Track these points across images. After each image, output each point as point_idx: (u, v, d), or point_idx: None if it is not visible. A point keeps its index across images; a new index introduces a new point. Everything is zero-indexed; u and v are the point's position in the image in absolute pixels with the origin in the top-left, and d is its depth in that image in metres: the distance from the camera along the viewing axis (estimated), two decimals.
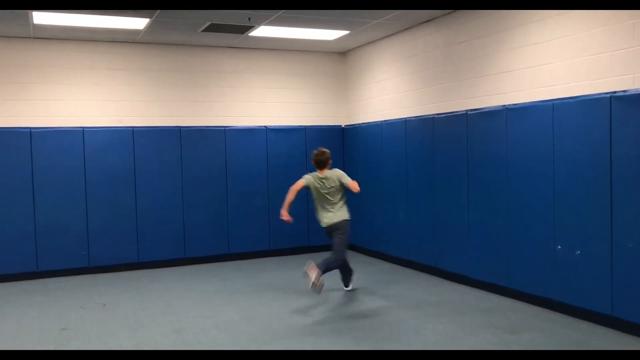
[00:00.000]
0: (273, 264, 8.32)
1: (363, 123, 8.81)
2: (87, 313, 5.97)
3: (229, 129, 8.55)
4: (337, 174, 6.36)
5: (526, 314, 5.59)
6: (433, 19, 7.22)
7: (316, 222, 8.93)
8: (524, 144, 5.86)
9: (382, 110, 8.41)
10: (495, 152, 6.22)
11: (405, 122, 7.77)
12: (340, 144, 9.26)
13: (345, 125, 9.33)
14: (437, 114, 7.16)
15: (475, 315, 5.60)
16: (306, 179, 6.44)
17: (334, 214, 6.39)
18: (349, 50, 9.15)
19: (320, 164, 6.39)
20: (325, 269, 6.06)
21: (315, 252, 9.01)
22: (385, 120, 8.23)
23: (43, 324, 5.60)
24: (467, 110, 6.66)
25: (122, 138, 7.98)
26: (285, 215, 6.51)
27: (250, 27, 7.38)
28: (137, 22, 6.97)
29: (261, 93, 8.86)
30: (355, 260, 8.43)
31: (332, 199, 6.38)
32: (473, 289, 6.56)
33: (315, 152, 6.45)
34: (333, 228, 6.39)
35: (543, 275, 5.69)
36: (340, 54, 9.33)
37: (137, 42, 8.08)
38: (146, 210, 8.09)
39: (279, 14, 6.70)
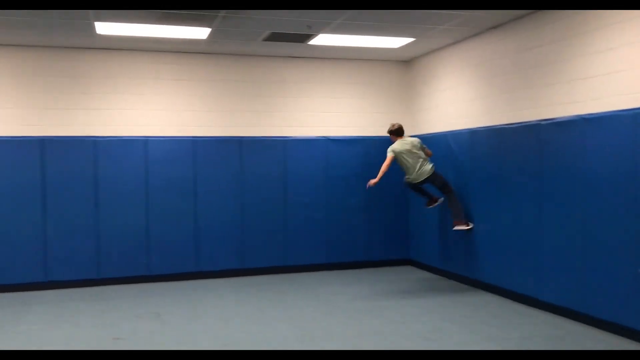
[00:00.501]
0: (330, 277, 8.09)
1: (427, 134, 8.46)
2: (141, 323, 5.94)
3: (289, 140, 8.43)
4: (413, 140, 7.49)
5: (602, 343, 5.09)
6: (501, 24, 6.83)
7: (377, 235, 8.74)
8: (603, 156, 5.38)
9: (447, 120, 8.05)
10: (571, 165, 5.75)
11: (471, 133, 7.39)
12: None
13: (409, 136, 9.00)
14: (506, 124, 6.75)
15: (544, 342, 5.15)
16: (392, 150, 7.36)
17: (421, 171, 7.36)
18: (414, 58, 8.85)
19: (400, 132, 7.52)
20: (459, 214, 7.27)
21: (375, 267, 8.73)
22: (450, 131, 7.87)
23: (97, 332, 5.60)
24: (538, 120, 6.21)
25: (183, 148, 8.01)
26: (374, 183, 7.32)
27: (311, 36, 7.24)
28: (199, 32, 6.97)
29: (322, 103, 8.70)
30: (415, 277, 8.12)
31: (414, 159, 7.35)
32: (541, 312, 6.09)
33: (393, 124, 7.61)
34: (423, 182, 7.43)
35: (622, 300, 5.17)
36: (404, 62, 9.04)
37: (199, 53, 8.11)
38: (205, 220, 8.07)
39: (339, 21, 6.52)
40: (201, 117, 8.20)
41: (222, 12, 6.07)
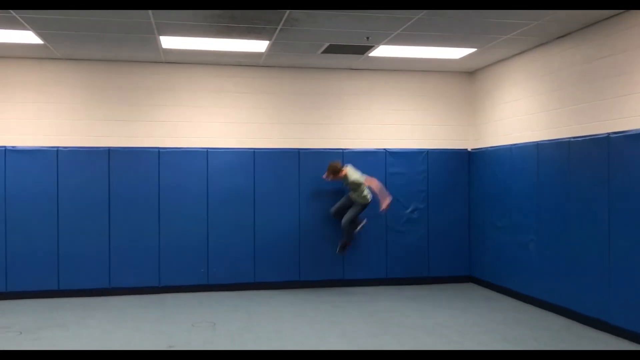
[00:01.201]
0: (388, 293, 7.93)
1: (491, 147, 8.20)
2: (196, 332, 6.00)
3: (347, 152, 8.38)
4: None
5: None
6: (569, 33, 6.54)
7: (437, 251, 8.51)
8: None
9: (511, 132, 7.78)
10: None
11: (537, 146, 7.09)
12: (466, 168, 8.71)
13: (471, 149, 8.77)
14: (574, 137, 6.43)
15: None
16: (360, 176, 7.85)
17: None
18: (477, 69, 8.62)
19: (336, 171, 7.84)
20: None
21: (435, 283, 8.50)
22: (514, 144, 7.59)
23: (153, 339, 5.70)
24: (608, 133, 5.88)
25: (243, 159, 8.11)
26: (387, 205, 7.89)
27: (370, 47, 7.18)
28: (258, 45, 7.06)
29: (381, 115, 8.61)
30: (477, 295, 7.84)
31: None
32: (613, 337, 5.71)
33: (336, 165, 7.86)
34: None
35: None
36: (467, 73, 8.82)
37: (259, 66, 8.22)
38: (263, 230, 8.12)
39: (398, 31, 6.43)
40: (260, 129, 8.28)
41: (281, 25, 6.12)
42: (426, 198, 8.57)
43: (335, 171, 7.76)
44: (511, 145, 7.66)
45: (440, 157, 8.65)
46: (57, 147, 7.62)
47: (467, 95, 8.85)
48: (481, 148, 8.49)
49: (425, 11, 5.65)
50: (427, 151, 8.62)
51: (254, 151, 8.15)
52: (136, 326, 6.22)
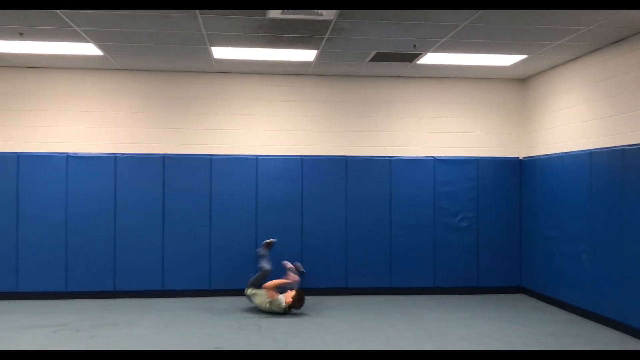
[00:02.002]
0: (436, 302, 7.86)
1: (543, 155, 8.03)
2: (242, 334, 6.14)
3: (395, 159, 8.38)
4: None
5: None
6: (625, 38, 6.35)
7: (487, 261, 8.37)
8: None
9: (564, 140, 7.59)
10: None
11: (590, 154, 6.90)
12: (517, 176, 8.55)
13: (523, 157, 8.60)
14: (629, 145, 6.23)
15: None
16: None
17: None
18: (529, 76, 8.46)
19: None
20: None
21: (484, 293, 8.37)
22: (567, 152, 7.41)
23: (201, 341, 5.87)
24: None
25: (291, 166, 8.24)
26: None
27: (418, 55, 7.19)
28: (306, 55, 7.18)
29: (430, 122, 8.57)
30: (527, 306, 7.67)
31: None
32: None
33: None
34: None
35: None
36: (518, 80, 8.67)
37: (308, 75, 8.35)
38: (310, 237, 8.21)
39: (446, 39, 6.42)
40: (309, 137, 8.40)
41: (328, 34, 6.22)
42: (476, 207, 8.46)
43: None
44: (563, 153, 7.48)
45: (490, 165, 8.53)
46: (115, 154, 7.98)
47: (518, 103, 8.70)
48: (533, 156, 8.32)
49: (471, 18, 5.63)
50: (478, 159, 8.52)
51: (302, 158, 8.27)
52: (185, 327, 6.42)
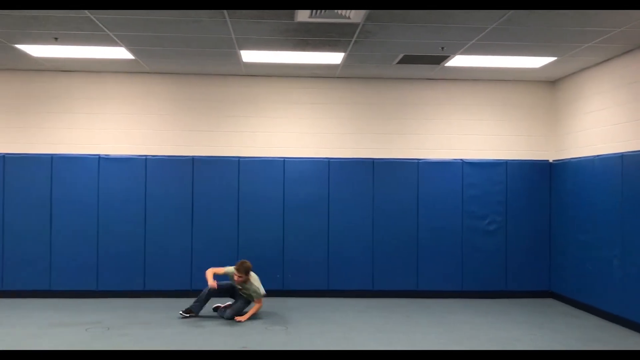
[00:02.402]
0: (463, 305, 7.81)
1: (573, 158, 7.92)
2: (269, 334, 6.19)
3: (423, 162, 8.35)
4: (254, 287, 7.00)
5: None
6: None
7: (515, 265, 8.28)
8: None
9: (594, 144, 7.48)
10: None
11: (621, 157, 6.79)
12: (547, 179, 8.45)
13: (553, 160, 8.49)
14: None
15: None
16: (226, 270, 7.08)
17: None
18: (559, 78, 8.36)
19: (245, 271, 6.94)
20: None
21: (512, 297, 8.29)
22: (597, 155, 7.30)
23: (228, 340, 5.94)
24: None
25: (318, 168, 8.28)
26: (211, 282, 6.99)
27: (446, 57, 7.16)
28: (334, 57, 7.22)
29: (458, 125, 8.52)
30: (556, 311, 7.58)
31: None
32: None
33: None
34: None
35: None
36: (548, 82, 8.57)
37: (336, 77, 8.38)
38: (337, 239, 8.24)
39: (473, 42, 6.39)
40: (336, 139, 8.43)
41: (355, 37, 6.25)
42: (504, 210, 8.39)
43: (247, 271, 6.93)
44: (594, 156, 7.37)
45: (519, 168, 8.45)
46: (146, 155, 8.12)
47: (548, 105, 8.61)
48: (563, 159, 8.21)
49: (500, 20, 5.60)
50: (506, 162, 8.44)
51: (328, 160, 8.30)
52: (214, 327, 6.51)
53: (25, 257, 7.92)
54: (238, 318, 6.79)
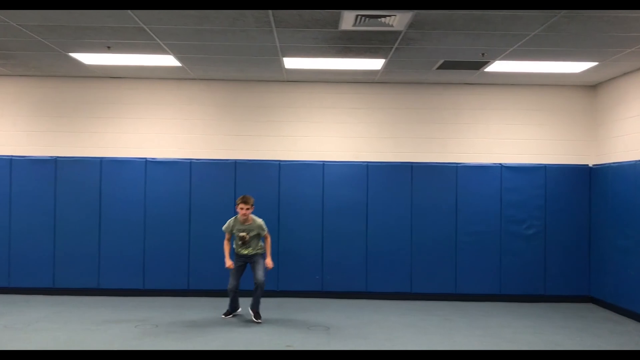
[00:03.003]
0: (501, 309, 7.85)
1: (613, 162, 7.89)
2: (311, 334, 6.36)
3: (461, 166, 8.42)
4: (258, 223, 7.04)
5: None
6: None
7: (554, 269, 8.28)
8: None
9: (636, 148, 7.45)
10: None
11: None
12: (586, 184, 8.42)
13: (593, 165, 8.47)
14: None
15: None
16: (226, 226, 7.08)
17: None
18: (599, 83, 8.34)
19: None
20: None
21: (551, 302, 8.29)
22: (639, 160, 7.26)
23: (273, 339, 6.13)
24: None
25: (357, 172, 8.42)
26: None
27: (486, 63, 7.23)
28: (374, 64, 7.36)
29: (497, 130, 8.57)
30: (596, 316, 7.56)
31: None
32: None
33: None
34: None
35: None
36: (589, 87, 8.55)
37: (375, 82, 8.52)
38: (376, 242, 8.36)
39: (513, 48, 6.45)
40: (374, 143, 8.57)
41: (397, 44, 6.38)
42: (543, 214, 8.39)
43: (250, 206, 6.93)
44: (636, 161, 7.33)
45: (559, 173, 8.45)
46: (191, 159, 8.39)
47: (588, 110, 8.58)
48: (603, 164, 8.18)
49: (542, 27, 5.66)
50: (545, 166, 8.45)
51: (367, 164, 8.43)
52: (258, 326, 6.70)
53: (76, 256, 8.26)
54: (268, 262, 6.99)
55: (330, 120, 8.60)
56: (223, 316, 7.17)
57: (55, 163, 8.33)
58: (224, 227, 7.06)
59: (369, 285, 8.37)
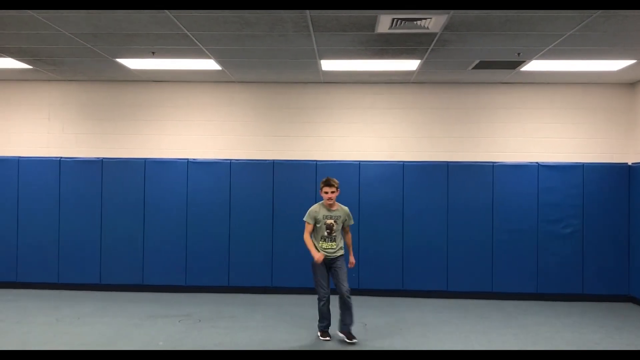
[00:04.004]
0: (539, 308, 7.85)
1: None
2: None
3: (498, 165, 8.44)
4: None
5: None
6: None
7: (593, 268, 8.24)
8: None
9: None
10: None
11: None
12: (625, 182, 8.34)
13: (632, 163, 8.39)
14: None
15: None
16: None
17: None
18: (638, 81, 8.25)
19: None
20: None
21: (589, 301, 8.25)
22: None
23: (309, 334, 6.30)
24: None
25: (392, 172, 8.53)
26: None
27: (522, 62, 7.26)
28: (410, 64, 7.46)
29: (533, 128, 8.57)
30: (636, 315, 7.53)
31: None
32: None
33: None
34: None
35: None
36: (627, 85, 8.47)
37: (411, 83, 8.61)
38: (412, 241, 8.45)
39: (549, 47, 6.47)
40: (410, 143, 8.66)
41: (432, 45, 6.48)
42: (581, 213, 8.36)
43: (335, 189, 6.06)
44: None
45: (597, 171, 8.39)
46: (230, 159, 8.63)
47: (627, 108, 8.51)
48: None
49: (578, 27, 5.68)
50: (583, 165, 8.41)
51: (403, 164, 8.53)
52: (295, 321, 6.89)
53: (121, 253, 8.59)
54: (352, 260, 6.28)
55: (366, 121, 8.73)
56: (321, 337, 6.09)
57: (101, 164, 8.67)
58: (305, 217, 6.06)
59: (405, 283, 8.47)
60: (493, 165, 8.46)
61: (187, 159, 8.66)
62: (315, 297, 6.23)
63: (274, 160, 8.63)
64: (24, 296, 8.12)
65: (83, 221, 8.64)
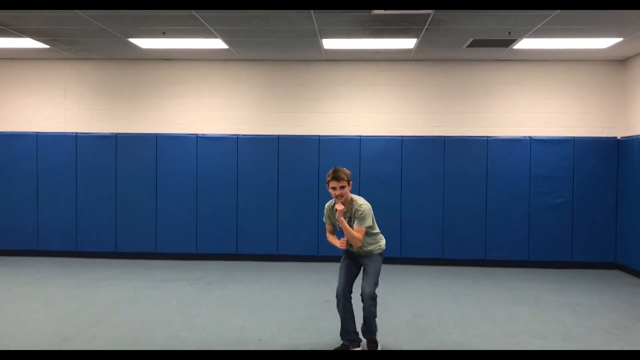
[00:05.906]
0: (528, 274, 8.31)
1: None
2: None
3: (492, 139, 8.84)
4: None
5: None
6: None
7: (581, 237, 8.67)
8: None
9: None
10: None
11: None
12: (614, 156, 8.73)
13: (621, 137, 8.76)
14: None
15: None
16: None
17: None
18: (628, 57, 8.58)
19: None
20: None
21: (578, 268, 8.70)
22: None
23: (312, 295, 6.81)
24: None
25: (391, 146, 8.95)
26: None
27: (514, 41, 7.61)
28: (407, 43, 7.83)
29: (527, 104, 8.94)
30: (621, 281, 8.05)
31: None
32: None
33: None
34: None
35: None
36: (617, 61, 8.81)
37: (409, 60, 8.98)
38: (409, 211, 8.90)
39: (538, 27, 6.83)
40: (408, 118, 9.07)
41: (427, 25, 6.85)
42: (571, 185, 8.76)
43: (345, 183, 4.86)
44: None
45: (587, 145, 8.77)
46: (237, 134, 9.08)
47: (617, 83, 8.85)
48: (631, 136, 8.47)
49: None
50: (574, 139, 8.79)
51: (402, 138, 8.94)
52: (300, 285, 7.40)
53: (135, 223, 9.11)
54: (342, 241, 4.86)
55: (366, 97, 9.13)
56: (351, 348, 4.86)
57: (115, 139, 9.14)
58: (329, 225, 5.11)
59: (403, 251, 8.94)
60: (487, 139, 8.85)
61: (197, 134, 9.11)
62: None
63: (278, 135, 9.06)
64: (45, 263, 8.67)
65: (99, 193, 9.14)
